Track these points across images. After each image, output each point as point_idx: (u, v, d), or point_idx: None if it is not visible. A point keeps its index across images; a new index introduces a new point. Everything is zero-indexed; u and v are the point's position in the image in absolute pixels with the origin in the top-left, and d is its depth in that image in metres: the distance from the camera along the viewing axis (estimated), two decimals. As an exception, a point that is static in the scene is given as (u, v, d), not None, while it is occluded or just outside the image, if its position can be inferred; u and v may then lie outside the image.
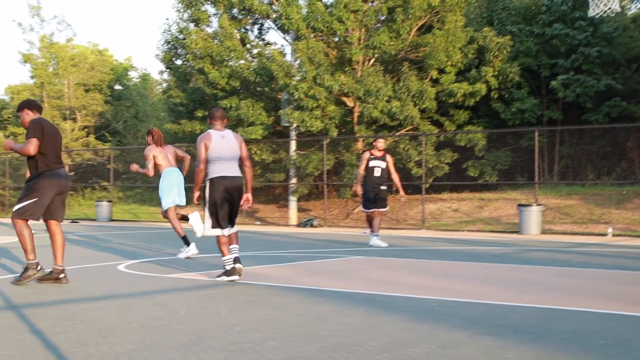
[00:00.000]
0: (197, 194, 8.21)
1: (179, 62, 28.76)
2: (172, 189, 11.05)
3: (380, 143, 13.79)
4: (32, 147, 7.44)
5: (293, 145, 24.68)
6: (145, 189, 32.89)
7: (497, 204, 22.30)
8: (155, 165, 10.99)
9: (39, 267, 7.70)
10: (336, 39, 24.43)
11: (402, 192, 14.35)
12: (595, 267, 9.96)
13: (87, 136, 37.10)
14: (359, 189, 14.07)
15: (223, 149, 7.99)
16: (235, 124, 25.01)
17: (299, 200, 25.02)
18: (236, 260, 7.99)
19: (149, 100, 43.07)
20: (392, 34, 23.29)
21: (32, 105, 7.97)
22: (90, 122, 38.53)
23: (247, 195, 8.25)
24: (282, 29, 26.43)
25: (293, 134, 24.70)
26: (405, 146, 23.15)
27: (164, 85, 34.95)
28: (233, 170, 8.04)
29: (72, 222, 24.67)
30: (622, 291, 7.32)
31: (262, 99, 25.53)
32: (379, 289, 7.23)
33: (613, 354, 4.21)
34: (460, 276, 8.80)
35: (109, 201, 26.95)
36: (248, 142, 24.03)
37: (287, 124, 24.46)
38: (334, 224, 22.63)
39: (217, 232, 8.04)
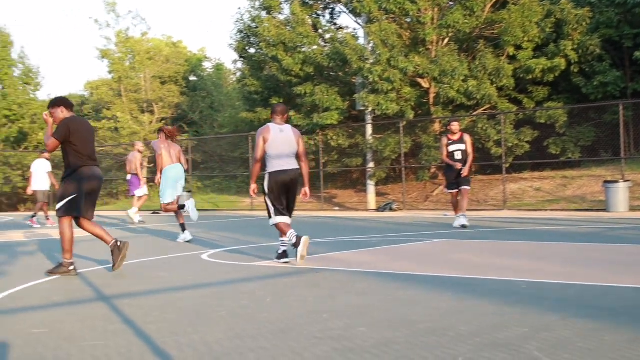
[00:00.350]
0: (253, 186, 8.85)
1: (252, 50, 29.61)
2: (172, 185, 12.32)
3: (455, 126, 14.36)
4: (49, 145, 8.02)
5: (369, 129, 25.30)
6: (223, 178, 34.12)
7: (581, 181, 22.34)
8: (160, 161, 12.35)
9: (71, 267, 8.04)
10: (409, 20, 24.88)
11: (465, 170, 14.02)
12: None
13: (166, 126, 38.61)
14: (444, 156, 14.25)
15: (281, 143, 8.50)
16: (310, 110, 26.03)
17: (377, 184, 25.52)
18: (297, 244, 8.25)
19: (224, 89, 44.13)
20: (465, 12, 23.74)
21: (65, 102, 8.33)
22: (167, 114, 40.00)
23: (305, 190, 8.86)
24: (354, 13, 27.07)
25: (369, 117, 25.22)
26: (483, 125, 23.60)
27: (238, 74, 35.87)
28: (290, 164, 8.53)
29: (153, 213, 26.33)
30: None
31: (336, 84, 26.08)
32: (466, 272, 7.30)
33: None
34: (548, 257, 8.76)
35: (189, 191, 28.77)
36: (324, 127, 25.43)
37: (362, 108, 25.04)
38: (413, 207, 23.27)
39: (283, 219, 8.51)
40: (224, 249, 10.77)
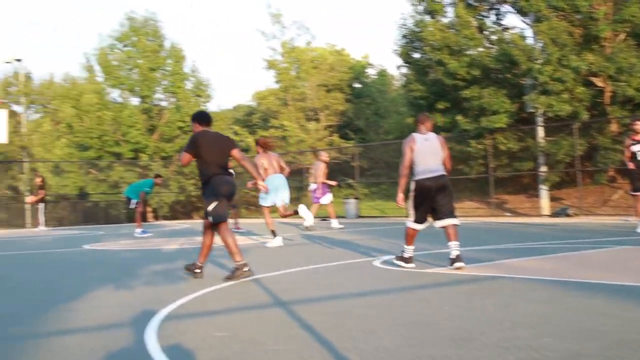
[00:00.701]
0: (400, 195, 9.18)
1: (416, 55, 30.05)
2: (272, 192, 13.16)
3: (638, 125, 14.68)
4: (182, 160, 8.93)
5: (540, 131, 25.44)
6: (390, 185, 34.78)
7: None
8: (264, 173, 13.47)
9: (245, 268, 8.51)
10: (580, 17, 24.99)
11: None
12: None
13: (331, 135, 39.63)
14: (627, 158, 14.65)
15: (427, 151, 8.99)
16: (477, 114, 26.55)
17: (550, 188, 25.50)
18: (458, 258, 8.60)
19: (388, 95, 45.01)
20: None
21: (198, 118, 9.07)
22: (332, 121, 41.43)
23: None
24: (521, 12, 27.50)
25: (540, 119, 25.36)
26: None
27: (403, 80, 35.75)
28: (436, 170, 8.97)
29: (321, 220, 27.19)
30: None
31: (504, 86, 26.16)
32: None
33: None
34: None
35: (356, 198, 30.17)
36: (492, 131, 26.00)
37: (532, 110, 25.31)
38: (590, 212, 23.04)
39: (416, 226, 9.04)
40: (395, 255, 10.43)
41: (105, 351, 4.77)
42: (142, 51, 39.41)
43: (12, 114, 41.81)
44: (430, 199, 9.01)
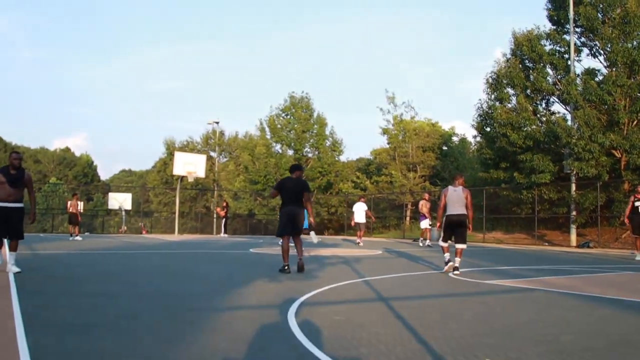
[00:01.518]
0: (438, 224, 10.46)
1: (488, 128, 30.77)
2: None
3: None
4: (271, 194, 10.45)
5: (573, 186, 25.93)
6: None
7: None
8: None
9: (285, 267, 9.46)
10: (606, 107, 25.40)
11: None
12: None
13: (424, 182, 39.76)
14: (626, 219, 16.00)
15: (454, 199, 9.96)
16: (529, 172, 27.27)
17: (577, 227, 26.00)
18: (457, 268, 9.82)
19: (466, 156, 45.29)
20: None
21: (291, 168, 10.34)
22: (426, 173, 41.81)
23: (470, 226, 10.03)
24: (564, 102, 28.30)
25: (573, 178, 25.88)
26: None
27: (477, 145, 36.49)
28: (460, 210, 9.89)
29: (413, 240, 28.03)
30: None
31: (549, 153, 26.89)
32: None
33: None
34: None
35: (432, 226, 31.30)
36: (539, 185, 26.59)
37: (568, 171, 25.94)
38: (606, 246, 23.10)
39: (444, 244, 10.18)
40: (465, 269, 10.54)
41: (260, 323, 4.96)
42: (298, 119, 42.22)
43: (209, 158, 45.85)
44: (453, 228, 10.05)
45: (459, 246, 10.13)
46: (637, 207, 15.26)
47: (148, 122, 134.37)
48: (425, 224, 21.63)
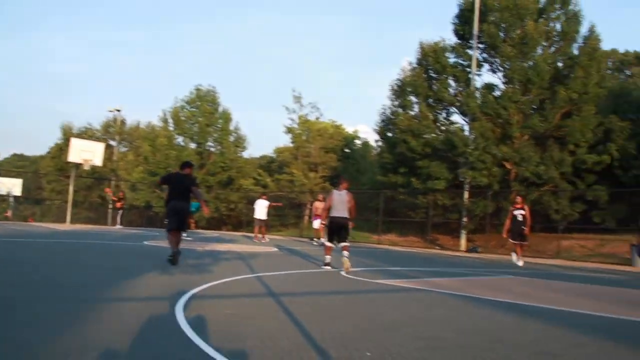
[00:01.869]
0: (323, 222, 11.23)
1: (389, 134, 31.35)
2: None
3: (518, 199, 16.95)
4: (158, 181, 10.45)
5: (466, 194, 26.71)
6: (361, 220, 34.00)
7: (614, 243, 22.87)
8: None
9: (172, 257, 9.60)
10: (500, 121, 26.55)
11: (526, 229, 16.42)
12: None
13: (324, 182, 39.50)
14: (505, 235, 16.88)
15: (338, 202, 10.68)
16: (426, 178, 28.01)
17: (468, 233, 26.68)
18: (329, 264, 10.61)
19: (367, 159, 45.95)
20: (541, 118, 26.00)
21: (182, 165, 10.57)
22: (326, 173, 41.88)
23: (351, 223, 10.90)
24: (463, 113, 29.39)
25: (466, 186, 26.66)
26: (547, 198, 25.32)
27: (378, 149, 36.94)
28: (342, 213, 10.66)
29: (310, 239, 27.42)
30: None
31: (445, 161, 27.46)
32: (524, 300, 7.33)
33: None
34: (586, 294, 8.72)
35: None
36: (434, 190, 27.40)
37: (462, 179, 26.70)
38: (492, 252, 23.83)
39: (328, 243, 10.90)
40: (357, 269, 10.81)
41: (147, 315, 4.92)
42: (203, 112, 41.75)
43: (108, 147, 44.23)
44: (336, 230, 10.73)
45: (343, 244, 10.70)
46: (516, 216, 16.24)
47: (45, 104, 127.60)
48: (317, 224, 21.95)
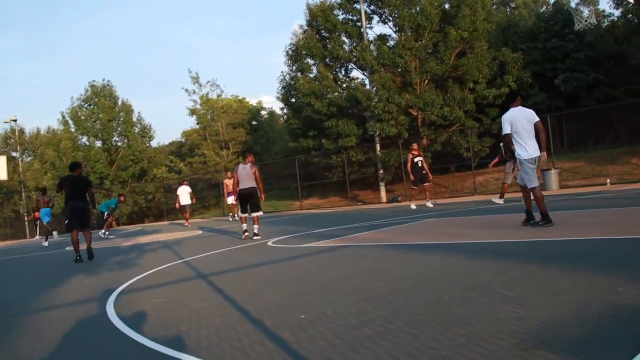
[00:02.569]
0: (234, 197, 12.35)
1: (293, 99, 31.66)
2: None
3: (414, 146, 17.75)
4: (55, 189, 11.02)
5: (378, 147, 27.27)
6: (278, 190, 35.90)
7: None
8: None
9: (78, 258, 10.37)
10: (399, 70, 27.14)
11: (428, 173, 17.54)
12: (600, 207, 10.36)
13: (237, 158, 39.97)
14: (411, 176, 17.41)
15: (243, 175, 11.48)
16: (336, 137, 28.31)
17: (386, 184, 27.40)
18: (256, 235, 11.28)
19: (276, 128, 46.35)
20: (437, 61, 26.61)
21: (70, 167, 11.13)
22: (238, 149, 42.19)
23: (262, 196, 11.69)
24: (361, 68, 29.71)
25: (377, 139, 27.21)
26: (456, 138, 26.19)
27: (284, 117, 37.43)
28: (249, 184, 11.42)
29: (231, 217, 29.27)
30: (619, 221, 7.73)
31: (352, 118, 27.99)
32: (448, 239, 7.56)
33: (615, 267, 4.42)
34: (505, 225, 8.83)
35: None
36: (347, 148, 27.65)
37: (372, 133, 27.09)
38: (411, 199, 25.62)
39: (242, 215, 11.80)
40: (283, 237, 11.06)
41: (77, 318, 4.89)
42: (102, 108, 40.44)
43: (10, 159, 42.41)
44: (246, 200, 11.61)
45: (254, 214, 11.51)
46: (416, 162, 17.00)
47: None
48: (231, 199, 22.42)
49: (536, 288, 4.05)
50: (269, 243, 10.12)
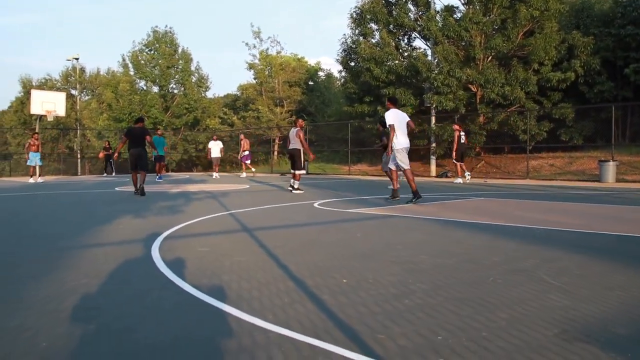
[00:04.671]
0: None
1: (352, 63, 31.59)
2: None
3: (458, 125, 18.87)
4: (121, 139, 13.69)
5: (433, 119, 27.34)
6: (330, 152, 36.24)
7: (582, 160, 23.74)
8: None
9: (136, 192, 13.09)
10: (463, 43, 26.85)
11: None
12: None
13: (291, 116, 39.95)
14: (454, 153, 19.08)
15: (291, 136, 13.49)
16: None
17: (437, 158, 27.52)
18: (295, 188, 13.41)
19: (332, 90, 46.31)
20: (504, 38, 26.01)
21: (135, 120, 13.84)
22: (292, 107, 42.46)
23: (311, 155, 13.88)
24: (425, 38, 29.45)
25: (433, 111, 27.25)
26: (514, 119, 25.69)
27: (342, 80, 37.37)
28: (293, 145, 13.52)
29: (281, 174, 28.99)
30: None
31: (410, 87, 27.87)
32: (496, 220, 7.47)
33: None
34: (557, 211, 8.82)
35: (306, 160, 31.90)
36: None
37: (428, 105, 27.15)
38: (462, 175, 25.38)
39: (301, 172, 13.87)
40: (329, 200, 11.17)
41: (124, 258, 4.95)
42: (162, 54, 40.93)
43: (70, 97, 43.44)
44: (290, 158, 13.93)
45: (295, 172, 13.52)
46: (461, 137, 18.65)
47: (0, 59, 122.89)
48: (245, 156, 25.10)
49: (585, 280, 3.97)
50: (315, 204, 10.19)
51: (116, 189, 16.60)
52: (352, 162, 30.51)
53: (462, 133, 18.85)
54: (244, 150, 24.86)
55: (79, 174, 35.26)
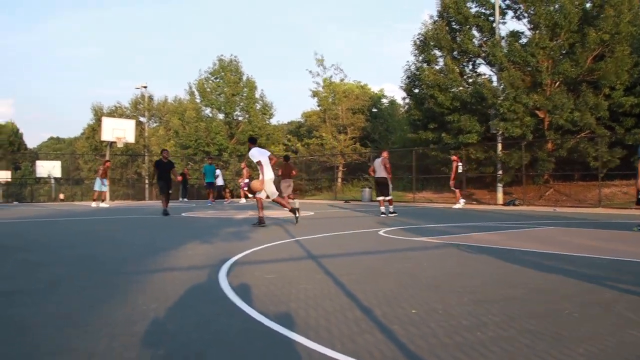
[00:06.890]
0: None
1: (416, 90, 31.38)
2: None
3: (455, 157, 19.43)
4: (153, 171, 16.48)
5: (499, 146, 26.81)
6: (394, 178, 36.63)
7: None
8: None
9: (166, 213, 15.49)
10: (529, 69, 26.25)
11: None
12: None
13: (355, 144, 41.02)
14: (452, 182, 20.06)
15: (377, 166, 15.74)
16: (457, 132, 28.00)
17: (504, 186, 26.87)
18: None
19: (395, 118, 46.32)
20: (572, 63, 25.45)
21: (162, 152, 17.21)
22: (356, 134, 42.71)
23: (390, 184, 15.85)
24: (490, 64, 29.09)
25: (499, 138, 26.78)
26: (584, 145, 25.02)
27: (406, 107, 37.04)
28: (380, 174, 15.78)
29: (345, 202, 29.73)
30: None
31: (475, 114, 27.59)
32: (567, 250, 7.30)
33: None
34: (629, 242, 8.56)
35: (369, 187, 31.49)
36: (467, 144, 27.31)
37: (494, 132, 26.83)
38: (530, 203, 24.07)
39: (380, 198, 15.28)
40: (394, 227, 11.13)
41: (191, 283, 5.03)
42: (227, 82, 42.16)
43: (138, 124, 45.17)
44: (379, 185, 15.68)
45: (385, 198, 15.61)
46: (458, 167, 20.35)
47: (75, 88, 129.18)
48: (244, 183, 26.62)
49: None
50: (380, 232, 10.20)
51: (183, 214, 17.00)
52: (416, 190, 30.17)
53: (460, 164, 20.81)
54: (245, 179, 26.45)
55: (147, 199, 36.32)
